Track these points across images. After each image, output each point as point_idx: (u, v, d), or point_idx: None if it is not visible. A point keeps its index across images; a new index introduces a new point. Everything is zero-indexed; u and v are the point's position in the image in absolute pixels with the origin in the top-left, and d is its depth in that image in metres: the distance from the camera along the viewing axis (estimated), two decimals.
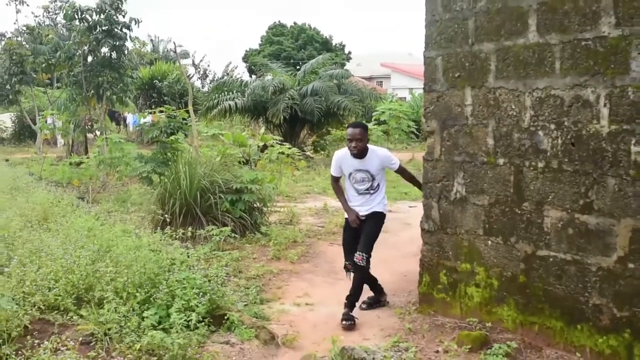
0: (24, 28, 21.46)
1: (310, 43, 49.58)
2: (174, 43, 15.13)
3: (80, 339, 4.36)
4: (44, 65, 18.60)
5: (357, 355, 3.88)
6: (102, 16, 14.56)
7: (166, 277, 5.24)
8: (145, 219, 8.23)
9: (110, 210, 8.92)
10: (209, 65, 45.43)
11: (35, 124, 21.80)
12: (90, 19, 14.53)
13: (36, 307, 4.69)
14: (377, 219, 5.98)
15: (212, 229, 8.02)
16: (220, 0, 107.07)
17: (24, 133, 29.59)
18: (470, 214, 5.29)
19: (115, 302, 4.66)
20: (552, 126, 4.60)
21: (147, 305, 4.91)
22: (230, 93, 21.03)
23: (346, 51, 51.97)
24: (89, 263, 5.40)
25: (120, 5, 14.68)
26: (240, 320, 5.19)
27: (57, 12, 23.49)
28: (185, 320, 4.65)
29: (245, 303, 6.00)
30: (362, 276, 5.88)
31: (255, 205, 9.12)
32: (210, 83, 37.72)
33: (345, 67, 34.74)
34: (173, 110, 10.88)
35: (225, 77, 28.47)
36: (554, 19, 4.54)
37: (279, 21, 52.76)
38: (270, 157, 12.34)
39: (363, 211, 5.98)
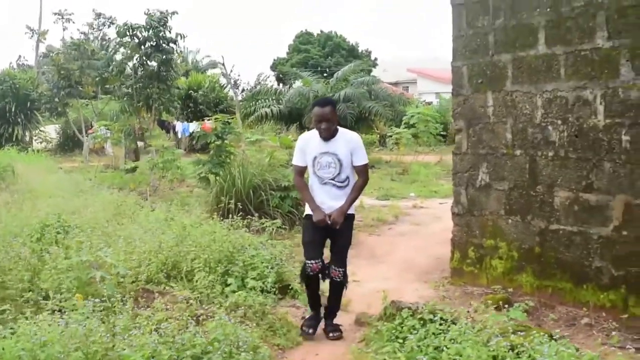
0: (71, 44, 22.79)
1: (337, 50, 50.37)
2: (222, 57, 16.35)
3: (179, 301, 5.43)
4: (97, 78, 19.93)
5: (403, 305, 4.90)
6: (151, 32, 15.80)
7: (240, 254, 6.31)
8: (205, 213, 9.28)
9: (172, 208, 10.02)
10: (239, 76, 46.65)
11: (81, 134, 23.11)
12: (140, 35, 15.78)
13: (140, 277, 5.81)
14: (348, 226, 5.36)
15: (265, 222, 9.06)
16: (243, 9, 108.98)
17: (68, 144, 30.80)
18: (493, 198, 6.27)
19: (203, 272, 5.73)
20: (559, 122, 5.58)
21: (225, 277, 5.99)
22: (265, 101, 22.18)
23: (372, 57, 52.74)
24: (173, 245, 6.52)
25: (167, 22, 15.90)
26: (302, 289, 6.24)
27: (100, 27, 24.88)
28: (260, 286, 5.72)
29: None
30: (341, 290, 5.61)
31: (301, 201, 10.13)
32: (242, 92, 39.00)
33: (372, 74, 35.63)
34: (227, 118, 12.01)
35: (259, 86, 29.65)
36: (559, 33, 5.54)
37: (306, 30, 53.73)
38: None
39: (326, 209, 5.21)
